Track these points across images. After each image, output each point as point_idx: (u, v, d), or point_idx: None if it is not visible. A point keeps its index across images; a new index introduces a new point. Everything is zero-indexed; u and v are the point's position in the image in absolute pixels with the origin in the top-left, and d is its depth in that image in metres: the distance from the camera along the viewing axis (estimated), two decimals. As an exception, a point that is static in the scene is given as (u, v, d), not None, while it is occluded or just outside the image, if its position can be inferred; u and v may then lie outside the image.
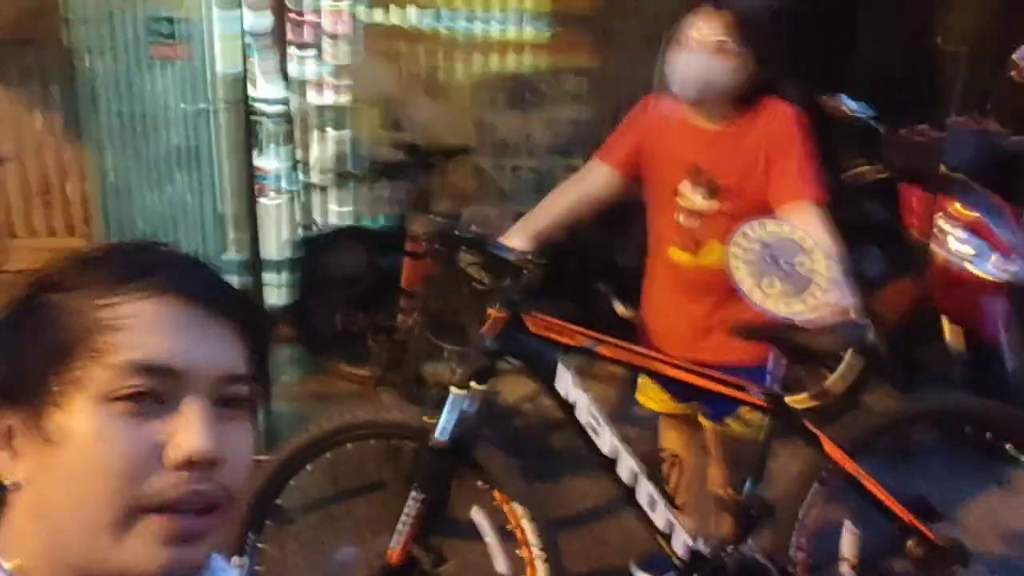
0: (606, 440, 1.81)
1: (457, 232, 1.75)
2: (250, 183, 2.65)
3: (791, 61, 1.96)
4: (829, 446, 1.84)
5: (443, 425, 1.72)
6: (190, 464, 0.60)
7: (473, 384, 1.75)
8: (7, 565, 0.62)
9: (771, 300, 1.70)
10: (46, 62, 4.16)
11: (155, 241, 0.71)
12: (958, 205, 3.01)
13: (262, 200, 5.67)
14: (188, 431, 0.61)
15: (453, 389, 1.73)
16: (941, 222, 2.95)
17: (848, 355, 3.16)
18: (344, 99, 4.25)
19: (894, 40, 3.94)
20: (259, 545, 1.90)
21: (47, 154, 4.29)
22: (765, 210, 1.87)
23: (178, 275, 0.64)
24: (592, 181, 2.06)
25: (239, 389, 0.66)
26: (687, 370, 1.86)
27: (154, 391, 0.61)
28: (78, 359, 0.60)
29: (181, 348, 0.62)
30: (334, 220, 4.39)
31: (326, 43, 4.26)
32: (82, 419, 0.59)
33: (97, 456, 0.59)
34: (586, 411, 1.81)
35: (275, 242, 3.99)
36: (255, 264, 2.66)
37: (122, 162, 4.50)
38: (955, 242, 2.94)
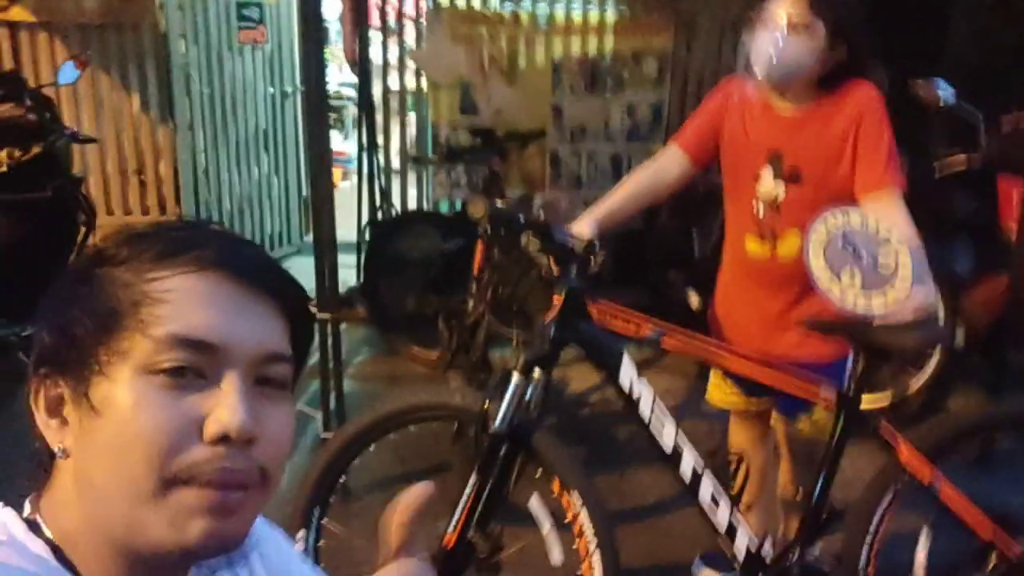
0: (669, 435, 1.77)
1: (521, 217, 1.73)
2: (328, 166, 2.69)
3: (879, 42, 1.86)
4: (906, 451, 1.75)
5: (503, 411, 1.71)
6: (226, 440, 0.61)
7: (535, 371, 1.73)
8: (48, 533, 0.63)
9: (850, 294, 1.63)
10: (142, 46, 4.33)
11: (205, 220, 0.72)
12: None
13: (341, 183, 5.80)
14: (225, 406, 0.61)
15: (514, 375, 1.72)
16: (1041, 218, 2.78)
17: (934, 355, 3.02)
18: (421, 83, 4.28)
19: (995, 22, 3.71)
20: (322, 521, 1.94)
21: (142, 135, 4.47)
22: (847, 198, 1.79)
23: (224, 252, 0.65)
24: (664, 167, 2.01)
25: (280, 368, 0.66)
26: (757, 365, 1.80)
27: (195, 365, 0.61)
28: (125, 330, 0.61)
29: (222, 323, 0.63)
30: (410, 203, 4.45)
31: (406, 27, 4.30)
32: (124, 389, 0.60)
33: (135, 426, 0.60)
34: (649, 405, 1.77)
35: (354, 224, 4.06)
36: (332, 245, 2.70)
37: (211, 143, 4.66)
38: (1056, 239, 2.77)
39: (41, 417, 0.65)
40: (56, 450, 0.64)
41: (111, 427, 0.60)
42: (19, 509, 0.66)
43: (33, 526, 0.64)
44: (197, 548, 0.62)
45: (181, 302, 0.62)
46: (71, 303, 0.64)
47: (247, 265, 0.66)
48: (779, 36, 1.73)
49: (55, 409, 0.64)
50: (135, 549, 0.62)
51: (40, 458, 0.66)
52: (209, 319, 0.62)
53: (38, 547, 0.62)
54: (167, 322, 0.61)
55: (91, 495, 0.62)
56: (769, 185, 1.88)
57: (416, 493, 0.73)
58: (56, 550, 0.63)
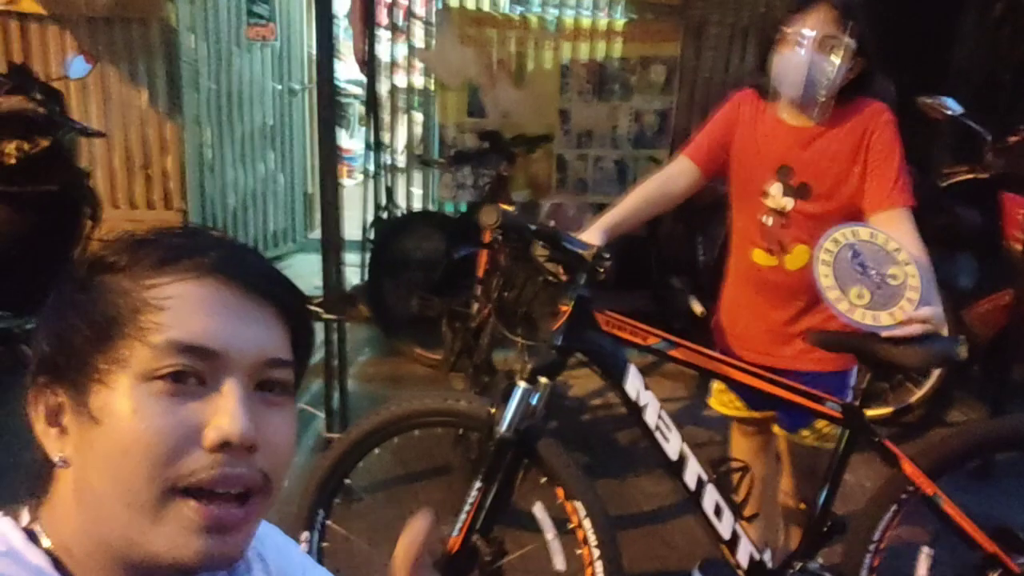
0: (674, 444, 1.77)
1: (530, 225, 1.73)
2: (333, 163, 2.69)
3: (889, 59, 1.87)
4: (909, 465, 1.76)
5: (508, 418, 1.71)
6: (227, 446, 0.60)
7: (540, 378, 1.74)
8: (45, 544, 0.63)
9: (858, 310, 1.63)
10: (151, 41, 4.32)
11: (205, 226, 0.72)
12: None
13: (346, 180, 5.81)
14: (225, 413, 0.61)
15: (519, 382, 1.73)
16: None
17: (935, 371, 3.03)
18: (429, 83, 4.29)
19: (999, 40, 3.72)
20: (326, 522, 1.95)
21: (149, 129, 4.46)
22: (855, 214, 1.80)
23: (224, 258, 0.65)
24: (673, 176, 2.02)
25: (280, 374, 0.66)
26: (762, 378, 1.81)
27: (194, 371, 0.61)
28: (124, 338, 0.61)
29: (222, 329, 0.62)
30: (414, 204, 4.45)
31: (415, 27, 4.30)
32: (123, 397, 0.60)
33: (134, 434, 0.59)
34: (655, 414, 1.78)
35: (358, 222, 4.07)
36: (337, 244, 2.71)
37: (217, 139, 4.66)
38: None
39: (41, 426, 0.64)
40: (56, 460, 0.63)
41: (110, 435, 0.60)
42: (17, 516, 0.65)
43: (32, 535, 0.63)
44: (193, 566, 0.61)
45: (180, 309, 0.62)
46: (70, 311, 0.63)
47: (247, 271, 0.66)
48: (810, 55, 1.73)
49: (55, 418, 0.63)
50: (133, 561, 0.61)
51: (39, 466, 0.65)
52: (209, 325, 0.62)
53: (37, 557, 0.62)
54: (166, 329, 0.61)
55: (90, 505, 0.62)
56: (778, 199, 1.89)
57: (416, 533, 0.73)
58: (55, 560, 0.62)
